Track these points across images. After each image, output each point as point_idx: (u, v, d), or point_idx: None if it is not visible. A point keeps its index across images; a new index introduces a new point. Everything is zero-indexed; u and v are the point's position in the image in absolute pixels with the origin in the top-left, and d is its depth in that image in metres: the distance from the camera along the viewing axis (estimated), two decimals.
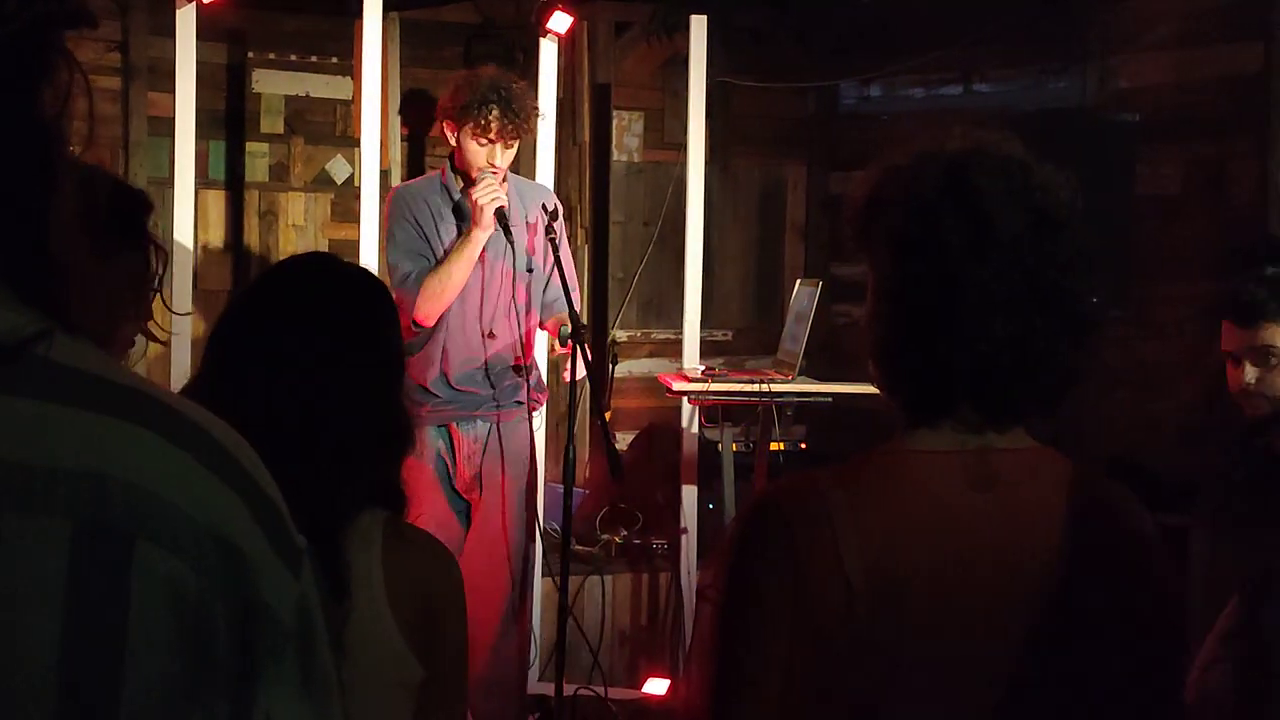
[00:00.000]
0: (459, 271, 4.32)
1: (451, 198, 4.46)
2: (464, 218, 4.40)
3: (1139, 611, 1.52)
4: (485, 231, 4.30)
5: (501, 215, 4.30)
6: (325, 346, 1.88)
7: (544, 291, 4.62)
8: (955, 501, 1.51)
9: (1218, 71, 5.82)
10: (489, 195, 4.26)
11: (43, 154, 0.91)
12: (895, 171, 1.57)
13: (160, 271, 2.14)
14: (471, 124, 4.33)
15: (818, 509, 1.49)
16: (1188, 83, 5.91)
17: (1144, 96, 5.98)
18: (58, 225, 0.92)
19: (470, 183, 4.38)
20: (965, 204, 1.49)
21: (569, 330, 4.25)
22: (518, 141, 4.42)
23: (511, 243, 4.37)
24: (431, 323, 4.36)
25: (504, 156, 4.37)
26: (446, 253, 4.37)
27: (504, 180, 4.43)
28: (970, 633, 1.47)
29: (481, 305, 4.44)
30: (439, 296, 4.31)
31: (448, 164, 4.54)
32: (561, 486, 4.30)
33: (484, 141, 4.34)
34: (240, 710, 0.91)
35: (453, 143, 4.44)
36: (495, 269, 4.46)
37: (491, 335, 4.46)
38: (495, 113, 4.31)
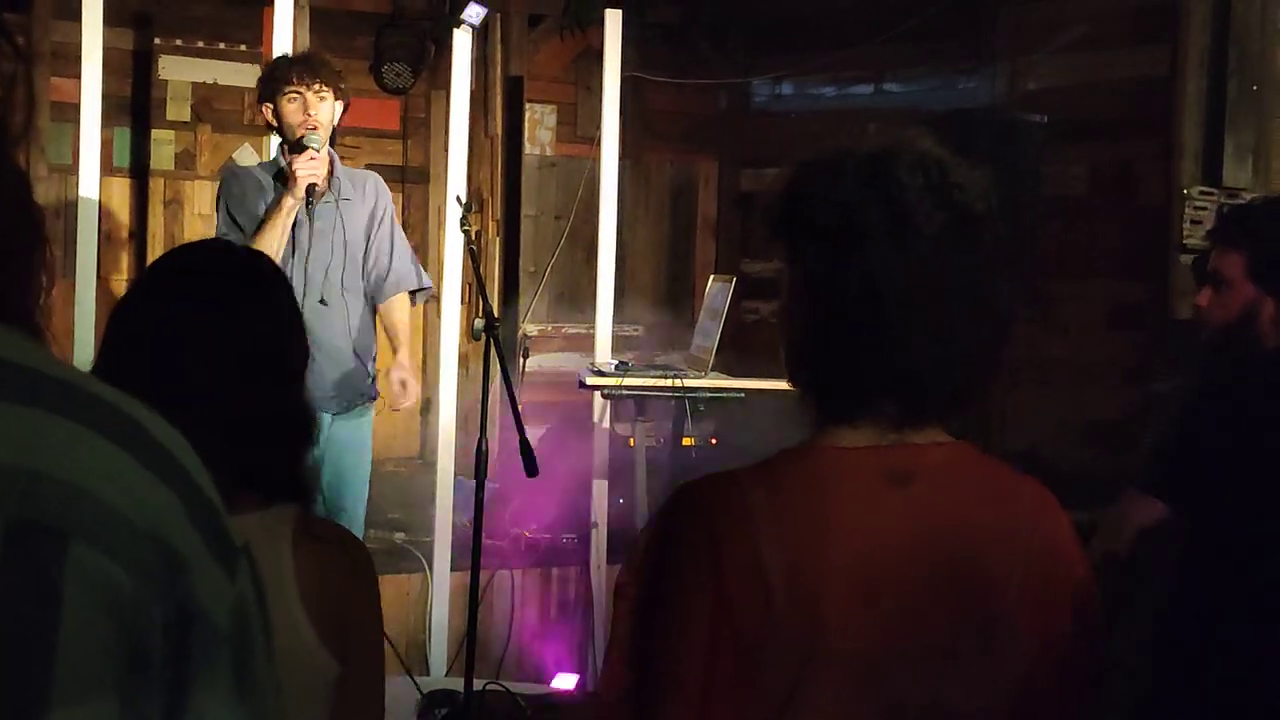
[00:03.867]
0: (265, 238, 4.31)
1: (279, 166, 4.50)
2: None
3: (1055, 610, 1.53)
4: (296, 201, 4.33)
5: (310, 189, 4.34)
6: (224, 333, 1.85)
7: (374, 273, 4.66)
8: (873, 498, 1.50)
9: (1125, 74, 5.92)
10: (306, 169, 4.32)
11: None
12: (814, 166, 1.56)
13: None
14: (276, 86, 4.41)
15: (738, 506, 1.48)
16: (1095, 85, 6.00)
17: (1052, 98, 6.06)
18: None
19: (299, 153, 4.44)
20: (886, 198, 1.49)
21: (482, 324, 4.23)
22: (330, 95, 4.45)
23: (311, 219, 4.41)
24: None
25: (319, 109, 4.42)
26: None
27: (330, 163, 4.48)
28: (887, 630, 1.47)
29: (305, 287, 4.43)
30: None
31: (277, 148, 4.59)
32: (473, 480, 4.28)
33: (293, 94, 4.39)
34: (172, 717, 0.89)
35: (274, 123, 4.48)
36: (320, 248, 4.46)
37: (323, 309, 4.47)
38: (286, 60, 4.51)
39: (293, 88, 4.40)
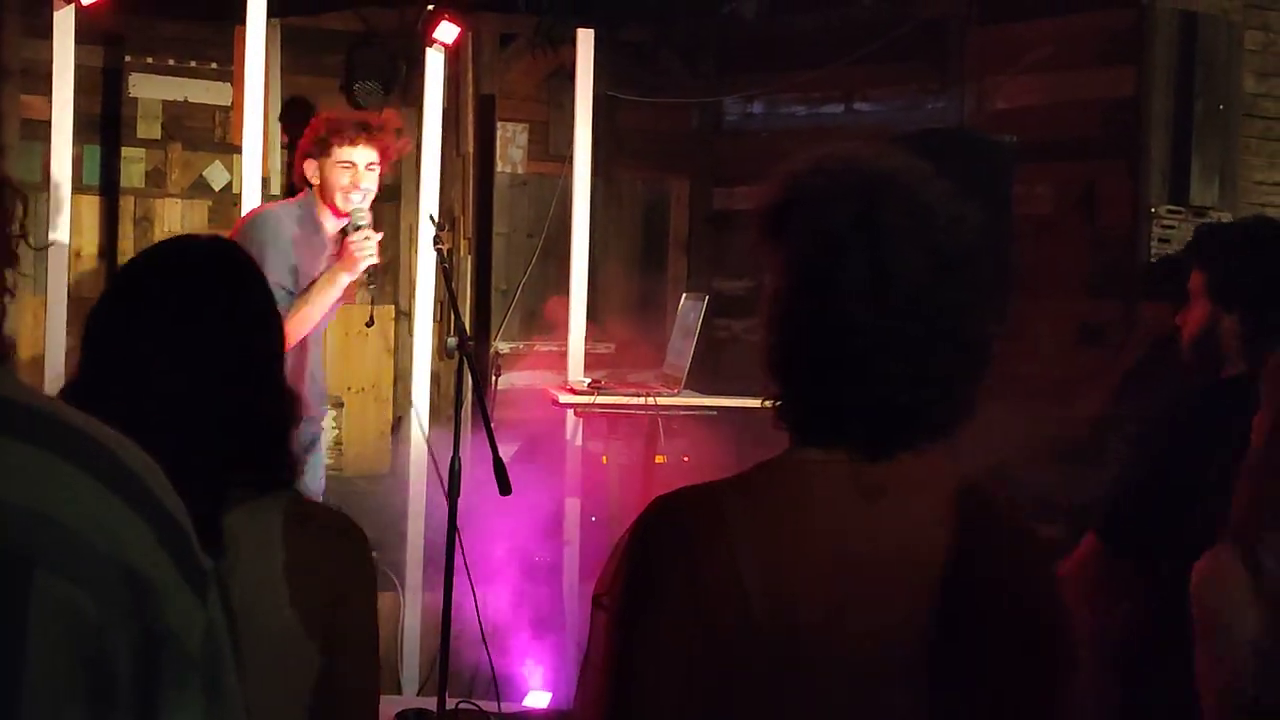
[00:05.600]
0: (318, 310, 4.33)
1: (318, 228, 4.46)
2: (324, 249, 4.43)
3: (1025, 622, 1.55)
4: (351, 278, 4.34)
5: (369, 270, 4.36)
6: (201, 324, 1.85)
7: None
8: (847, 511, 1.52)
9: (1091, 94, 5.96)
10: (367, 252, 4.30)
11: None
12: (804, 188, 1.56)
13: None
14: (328, 148, 4.38)
15: (714, 518, 1.50)
16: (1062, 105, 6.04)
17: (1019, 117, 6.09)
18: None
19: (336, 216, 4.42)
20: (871, 244, 1.49)
21: (455, 342, 4.23)
22: (379, 165, 4.45)
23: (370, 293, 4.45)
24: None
25: (368, 178, 4.41)
26: (309, 283, 4.36)
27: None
28: (861, 639, 1.49)
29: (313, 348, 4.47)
30: (297, 333, 4.28)
31: (310, 192, 4.51)
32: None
33: (347, 164, 4.35)
34: None
35: (314, 180, 4.45)
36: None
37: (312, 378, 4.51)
38: (347, 123, 4.44)
39: (348, 157, 4.38)
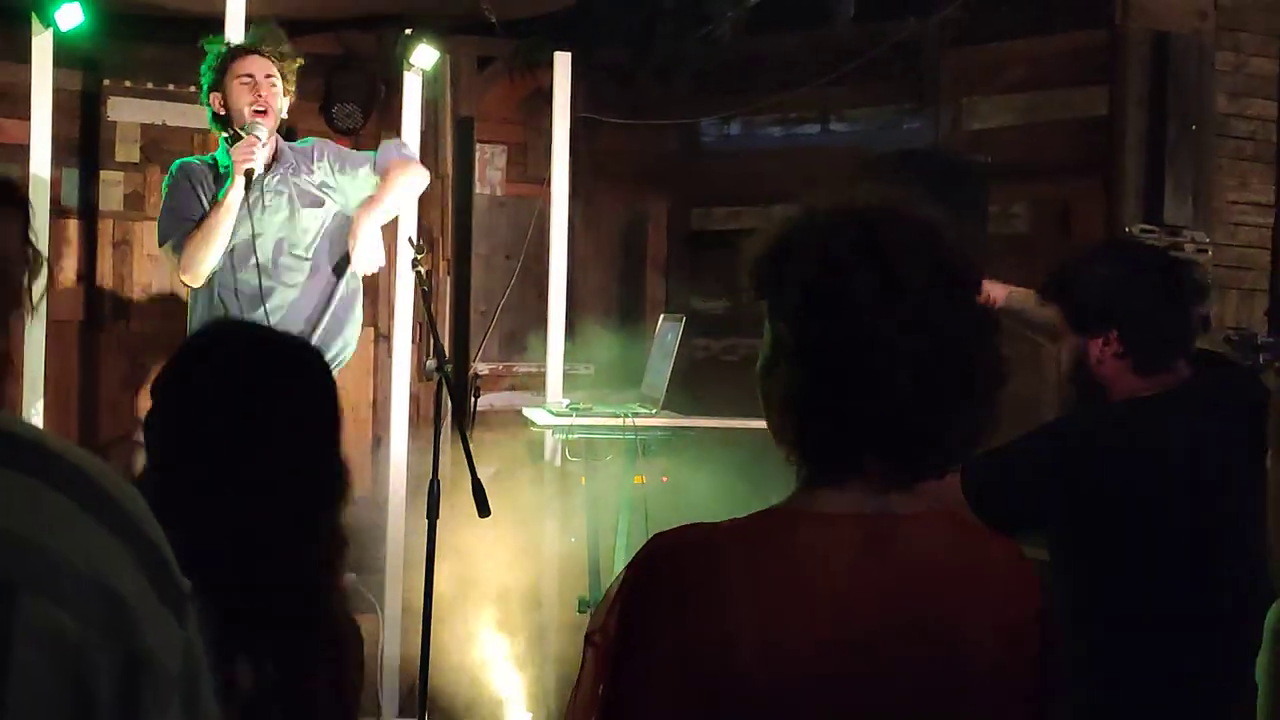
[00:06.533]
0: (214, 224, 4.32)
1: (219, 163, 4.48)
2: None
3: (1024, 671, 1.55)
4: (239, 193, 4.34)
5: (248, 175, 4.32)
6: (274, 426, 1.88)
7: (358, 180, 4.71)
8: (849, 569, 1.50)
9: (1065, 115, 6.01)
10: (243, 154, 4.31)
11: None
12: (803, 224, 1.56)
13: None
14: (226, 70, 4.40)
15: (712, 566, 1.48)
16: (1036, 125, 6.08)
17: (994, 138, 6.13)
18: None
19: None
20: (876, 259, 1.49)
21: (434, 364, 4.24)
22: (279, 81, 4.46)
23: (248, 203, 4.36)
24: (200, 281, 4.42)
25: (270, 94, 4.42)
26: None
27: (276, 148, 4.48)
28: (856, 702, 1.47)
29: (260, 269, 4.42)
30: (200, 251, 4.33)
31: (221, 140, 4.54)
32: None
33: (245, 78, 4.39)
34: None
35: (221, 112, 4.47)
36: (274, 229, 4.46)
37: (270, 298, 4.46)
38: (238, 45, 4.48)
39: (245, 72, 4.39)
